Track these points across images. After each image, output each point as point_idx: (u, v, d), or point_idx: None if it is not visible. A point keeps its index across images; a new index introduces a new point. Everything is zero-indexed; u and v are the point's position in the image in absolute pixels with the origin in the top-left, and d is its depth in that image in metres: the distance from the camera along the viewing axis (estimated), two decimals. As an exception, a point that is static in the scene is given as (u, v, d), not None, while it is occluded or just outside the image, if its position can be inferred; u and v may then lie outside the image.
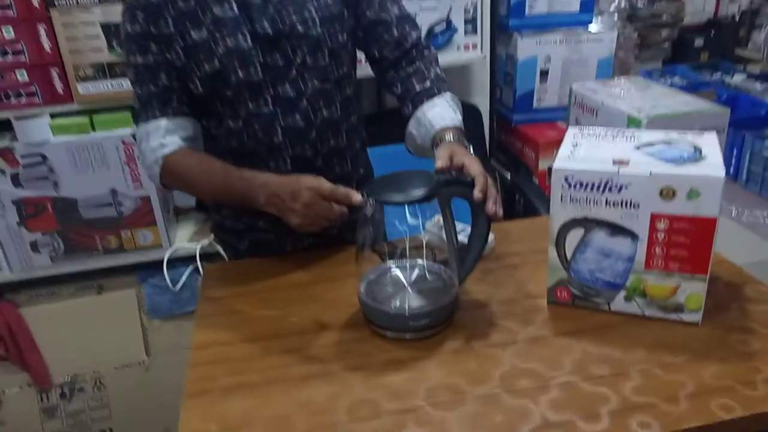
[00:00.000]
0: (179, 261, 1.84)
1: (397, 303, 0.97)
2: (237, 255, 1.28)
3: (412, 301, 0.97)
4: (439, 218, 1.23)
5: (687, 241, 0.88)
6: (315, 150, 1.16)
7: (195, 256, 1.81)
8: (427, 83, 1.17)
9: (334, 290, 1.09)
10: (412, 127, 1.17)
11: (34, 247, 1.72)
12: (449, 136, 1.07)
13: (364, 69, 1.31)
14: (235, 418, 0.83)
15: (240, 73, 1.08)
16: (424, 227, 1.11)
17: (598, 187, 0.90)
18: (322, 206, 0.98)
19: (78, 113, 1.64)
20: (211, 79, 1.07)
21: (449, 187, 0.94)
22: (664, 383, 0.83)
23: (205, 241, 1.82)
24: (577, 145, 0.97)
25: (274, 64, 1.09)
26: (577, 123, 1.69)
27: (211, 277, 1.21)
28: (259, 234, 1.23)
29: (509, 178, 2.06)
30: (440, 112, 1.13)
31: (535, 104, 2.06)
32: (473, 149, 2.01)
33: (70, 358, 1.81)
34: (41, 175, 1.65)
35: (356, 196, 0.96)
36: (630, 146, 0.95)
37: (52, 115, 1.63)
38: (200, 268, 1.75)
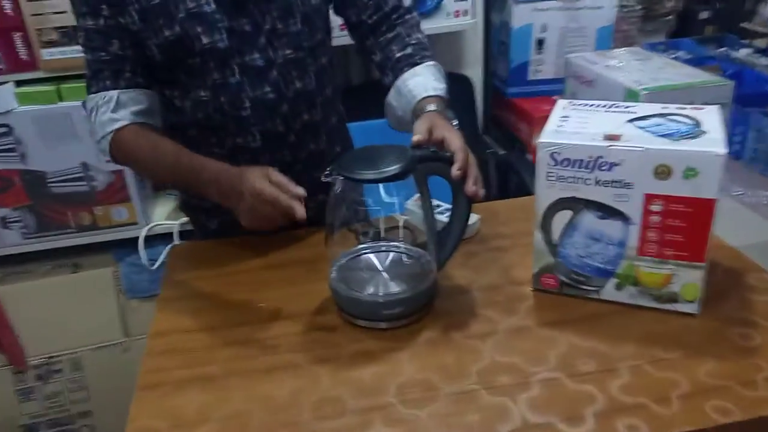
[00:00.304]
0: (158, 239, 1.77)
1: (370, 289, 0.90)
2: (206, 235, 1.21)
3: (386, 288, 0.90)
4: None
5: (683, 224, 0.81)
6: (287, 125, 1.07)
7: (173, 234, 1.74)
8: (408, 50, 1.09)
9: (308, 274, 1.02)
10: (391, 98, 1.09)
11: (4, 223, 1.65)
12: (431, 107, 0.99)
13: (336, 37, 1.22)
14: (188, 414, 0.77)
15: (203, 40, 0.99)
16: (403, 206, 1.04)
17: (587, 165, 0.82)
18: (265, 211, 0.90)
19: (44, 81, 1.55)
20: (171, 46, 0.98)
21: (425, 163, 0.86)
22: (655, 381, 0.76)
23: (185, 219, 1.74)
24: (566, 118, 0.89)
25: (241, 29, 1.00)
26: (574, 96, 1.60)
27: (177, 257, 1.14)
28: (228, 214, 1.15)
29: (502, 154, 1.97)
30: (422, 81, 1.04)
31: (530, 76, 1.96)
32: (463, 123, 1.94)
33: (46, 339, 1.75)
34: (7, 146, 1.57)
35: (300, 211, 0.87)
36: (623, 120, 0.87)
37: (18, 83, 1.55)
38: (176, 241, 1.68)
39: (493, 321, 0.88)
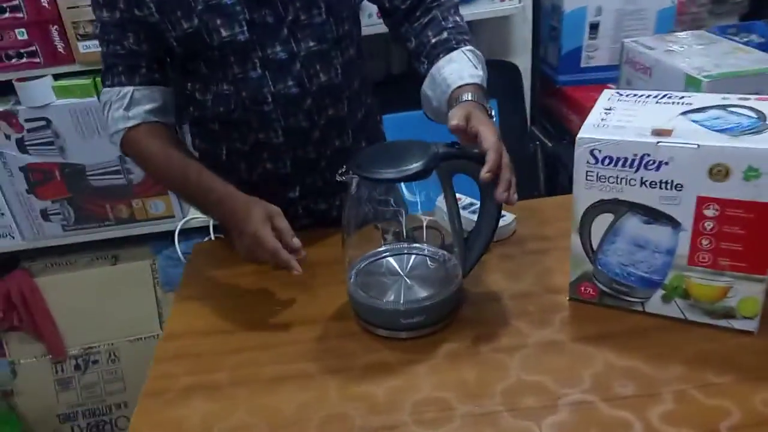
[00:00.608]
0: (194, 232, 1.75)
1: (390, 296, 0.84)
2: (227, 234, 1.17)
3: (407, 295, 0.83)
4: (460, 197, 1.08)
5: (742, 232, 0.71)
6: (311, 120, 1.02)
7: (209, 227, 1.72)
8: (444, 34, 1.01)
9: (329, 276, 0.96)
10: (426, 87, 1.01)
11: (45, 215, 1.67)
12: (467, 96, 0.90)
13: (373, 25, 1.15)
14: (190, 425, 0.73)
15: (222, 32, 0.94)
16: (430, 204, 0.98)
17: (632, 163, 0.73)
18: (262, 257, 0.88)
19: (81, 74, 1.55)
20: (189, 38, 0.94)
21: (450, 161, 0.79)
22: (703, 410, 0.67)
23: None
24: (610, 110, 0.80)
25: (262, 21, 0.95)
26: (629, 84, 1.48)
27: (199, 255, 1.11)
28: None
29: (550, 147, 1.86)
30: (457, 69, 0.96)
31: (583, 63, 1.83)
32: (510, 114, 1.83)
33: (84, 329, 1.77)
34: (46, 140, 1.58)
35: (295, 268, 0.85)
36: (676, 112, 0.77)
37: (56, 77, 1.55)
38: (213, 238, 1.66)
39: (522, 333, 0.81)
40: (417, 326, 0.81)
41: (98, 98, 1.01)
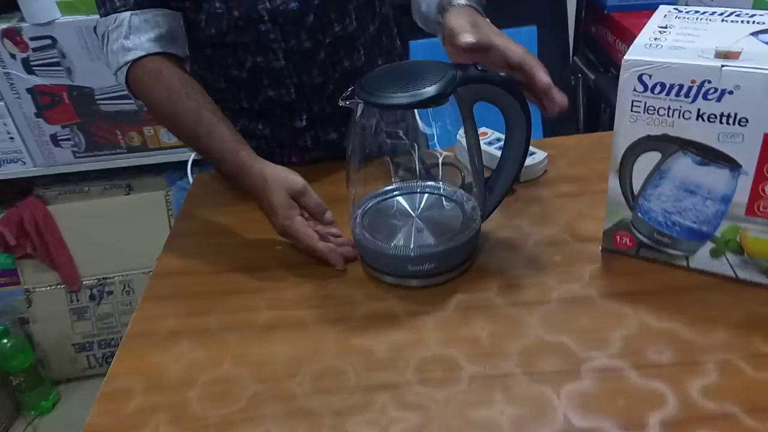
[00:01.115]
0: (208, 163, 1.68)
1: (399, 240, 0.75)
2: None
3: (417, 239, 0.75)
4: (485, 131, 0.97)
5: (818, 178, 0.59)
6: (314, 40, 0.90)
7: (224, 158, 1.64)
8: None
9: (339, 216, 0.87)
10: None
11: (55, 140, 1.61)
12: (460, 0, 0.76)
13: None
14: (171, 374, 0.66)
15: None
16: (452, 138, 0.87)
17: (689, 92, 0.61)
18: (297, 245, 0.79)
19: (86, -12, 1.45)
20: None
21: (472, 85, 0.68)
22: (750, 384, 0.57)
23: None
24: (665, 29, 0.67)
25: None
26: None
27: (199, 187, 1.03)
28: (257, 141, 1.01)
29: (593, 79, 1.71)
30: None
31: (635, -14, 1.65)
32: (551, 43, 1.67)
33: (99, 260, 1.74)
34: (53, 60, 1.50)
35: (338, 265, 0.77)
36: (745, 32, 0.64)
37: (60, -8, 1.46)
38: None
39: (546, 286, 0.71)
40: (427, 274, 0.73)
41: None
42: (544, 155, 0.93)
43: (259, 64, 0.91)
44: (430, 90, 0.64)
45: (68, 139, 1.61)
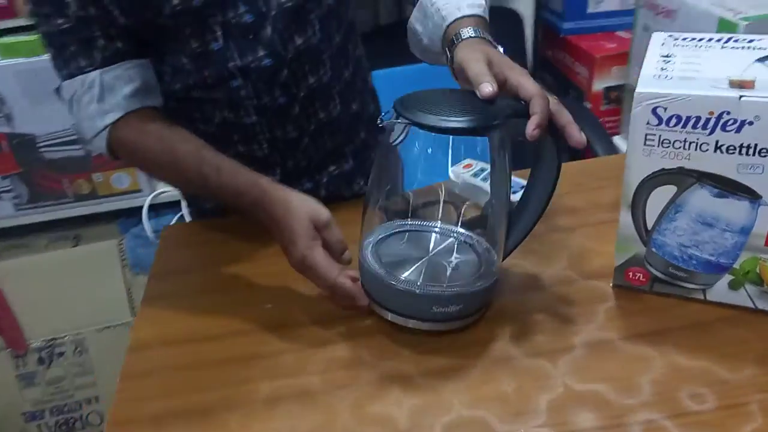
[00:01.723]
0: (165, 207, 1.59)
1: (419, 275, 0.69)
2: (201, 213, 1.01)
3: (437, 278, 0.69)
4: (470, 163, 0.93)
5: (843, 207, 0.58)
6: (289, 95, 0.85)
7: (180, 202, 1.55)
8: None
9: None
10: (415, 20, 0.85)
11: (-6, 193, 1.49)
12: (469, 31, 0.73)
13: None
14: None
15: None
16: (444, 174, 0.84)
17: (707, 124, 0.59)
18: (316, 283, 0.71)
19: (25, 29, 1.35)
20: (136, 7, 0.75)
21: (513, 119, 0.63)
22: (803, 428, 0.55)
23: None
24: (669, 57, 0.65)
25: None
26: (646, 32, 1.34)
27: (168, 242, 0.94)
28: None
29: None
30: None
31: (590, 8, 1.66)
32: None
33: (46, 319, 1.60)
34: (-10, 107, 1.39)
35: (360, 302, 0.69)
36: (750, 59, 0.63)
37: (-2, 34, 1.35)
38: (186, 216, 1.50)
39: (563, 331, 0.67)
40: (447, 317, 0.67)
41: (45, 55, 0.79)
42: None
43: (229, 119, 0.85)
44: (487, 117, 0.61)
45: (9, 191, 1.49)
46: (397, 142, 0.65)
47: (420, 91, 0.68)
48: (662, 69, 0.64)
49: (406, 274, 0.69)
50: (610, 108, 1.59)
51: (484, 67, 0.65)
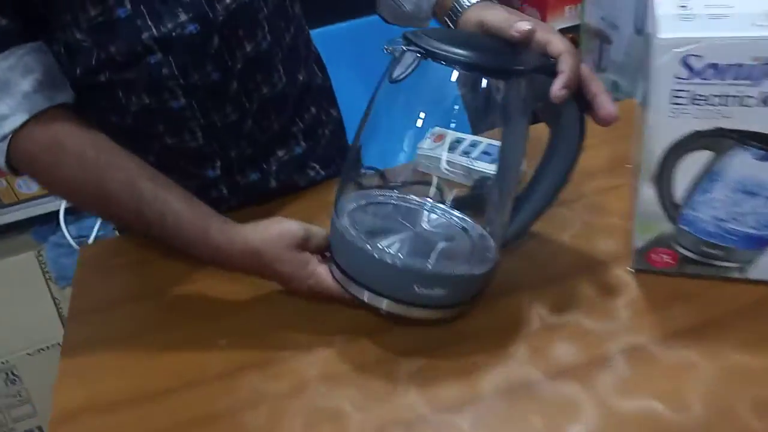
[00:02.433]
0: (86, 208, 1.40)
1: (403, 249, 0.57)
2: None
3: (422, 254, 0.57)
4: (441, 134, 0.79)
5: None
6: (223, 68, 0.68)
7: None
8: None
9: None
10: None
11: None
12: None
13: None
14: None
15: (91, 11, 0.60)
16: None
17: (751, 74, 0.47)
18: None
19: None
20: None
21: (539, 73, 0.52)
22: None
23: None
24: (688, -8, 0.52)
25: None
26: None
27: (88, 269, 0.78)
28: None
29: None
30: None
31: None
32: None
33: (-34, 349, 1.42)
34: None
35: None
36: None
37: None
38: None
39: (587, 339, 0.56)
40: (433, 303, 0.55)
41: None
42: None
43: (150, 106, 0.67)
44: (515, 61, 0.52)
45: None
46: (402, 76, 0.52)
47: (434, 28, 0.58)
48: (682, 6, 0.51)
49: (386, 243, 0.57)
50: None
51: (510, 16, 0.56)
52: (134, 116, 0.68)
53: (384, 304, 0.55)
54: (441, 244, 0.59)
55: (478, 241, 0.60)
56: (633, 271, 0.61)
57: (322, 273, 0.58)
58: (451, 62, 0.50)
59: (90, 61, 0.63)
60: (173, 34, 0.63)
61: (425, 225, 0.62)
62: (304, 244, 0.58)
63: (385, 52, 0.53)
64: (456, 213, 0.62)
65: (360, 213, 0.60)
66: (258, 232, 0.59)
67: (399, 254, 0.56)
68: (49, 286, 1.43)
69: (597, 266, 0.63)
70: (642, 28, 1.18)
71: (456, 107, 0.55)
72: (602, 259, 0.64)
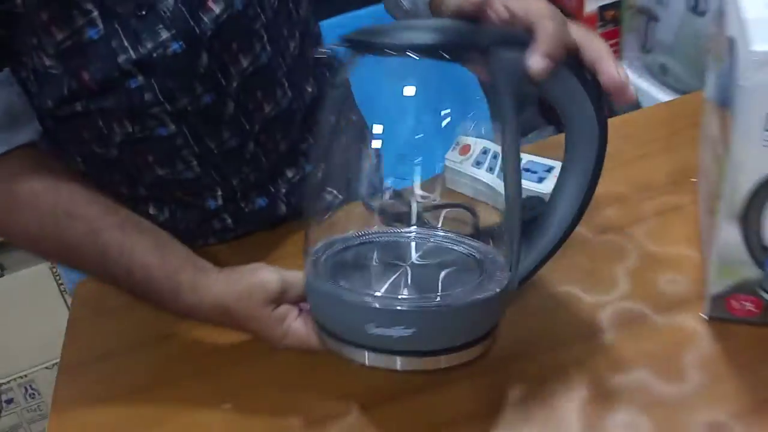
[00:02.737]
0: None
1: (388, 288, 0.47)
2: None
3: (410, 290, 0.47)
4: (467, 144, 0.69)
5: None
6: (217, 89, 0.60)
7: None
8: None
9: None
10: None
11: None
12: None
13: None
14: None
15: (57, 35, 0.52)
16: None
17: None
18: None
19: None
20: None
21: (512, 49, 0.41)
22: None
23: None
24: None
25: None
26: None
27: (83, 310, 0.71)
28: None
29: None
30: None
31: None
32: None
33: (-16, 366, 1.38)
34: None
35: None
36: None
37: None
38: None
39: (656, 405, 0.46)
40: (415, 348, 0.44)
41: None
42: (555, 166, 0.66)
43: (135, 136, 0.59)
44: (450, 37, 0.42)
45: None
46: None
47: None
48: (778, 4, 0.40)
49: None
50: (608, 30, 1.33)
51: None
52: (119, 147, 0.60)
53: (398, 363, 0.44)
54: (443, 272, 0.49)
55: (491, 271, 0.48)
56: (707, 317, 0.51)
57: (298, 329, 0.50)
58: (390, 48, 0.41)
59: (61, 91, 0.55)
60: (154, 54, 0.54)
61: (425, 255, 0.51)
62: (279, 298, 0.50)
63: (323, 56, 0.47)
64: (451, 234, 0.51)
65: (334, 255, 0.50)
66: (230, 286, 0.51)
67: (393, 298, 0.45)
68: (64, 298, 1.38)
69: (662, 313, 0.53)
70: (696, 5, 1.06)
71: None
72: (666, 305, 0.53)
